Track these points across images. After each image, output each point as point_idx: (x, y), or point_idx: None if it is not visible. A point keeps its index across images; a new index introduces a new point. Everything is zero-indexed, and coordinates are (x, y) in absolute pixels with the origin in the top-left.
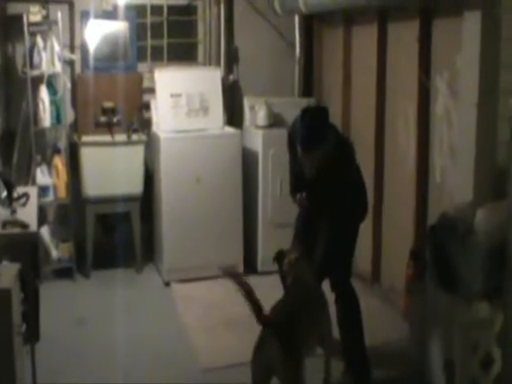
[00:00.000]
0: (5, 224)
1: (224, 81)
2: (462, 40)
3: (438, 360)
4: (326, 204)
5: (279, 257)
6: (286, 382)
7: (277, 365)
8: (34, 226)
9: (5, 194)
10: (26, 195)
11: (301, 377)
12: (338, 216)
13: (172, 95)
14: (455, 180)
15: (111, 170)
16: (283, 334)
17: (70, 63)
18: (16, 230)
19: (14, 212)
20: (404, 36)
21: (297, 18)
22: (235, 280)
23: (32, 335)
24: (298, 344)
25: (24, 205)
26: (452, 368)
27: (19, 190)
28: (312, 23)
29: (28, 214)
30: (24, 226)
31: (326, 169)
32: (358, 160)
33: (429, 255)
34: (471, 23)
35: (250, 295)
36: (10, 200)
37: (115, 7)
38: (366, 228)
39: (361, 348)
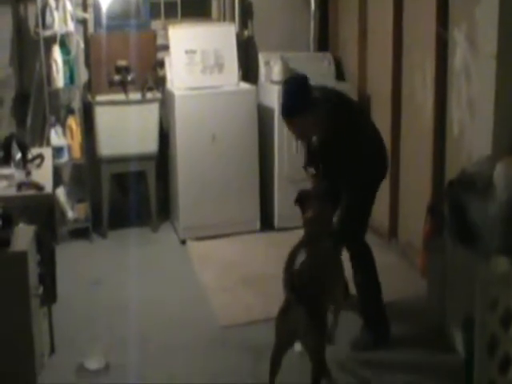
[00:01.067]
0: (20, 186)
1: (239, 36)
2: None
3: (457, 317)
4: (341, 177)
5: (301, 199)
6: (309, 347)
7: (302, 330)
8: (49, 188)
9: (19, 155)
10: (40, 156)
11: (324, 342)
12: (354, 186)
13: (186, 52)
14: (473, 134)
15: (126, 129)
16: (309, 301)
17: (82, 22)
18: (31, 192)
19: (28, 174)
20: None
21: None
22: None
23: (49, 297)
24: (322, 309)
25: (39, 166)
26: (471, 325)
27: (34, 152)
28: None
29: (43, 175)
30: (39, 187)
31: (326, 140)
32: (373, 116)
33: (447, 211)
34: None
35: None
36: (24, 162)
37: None
38: (383, 183)
39: (378, 305)
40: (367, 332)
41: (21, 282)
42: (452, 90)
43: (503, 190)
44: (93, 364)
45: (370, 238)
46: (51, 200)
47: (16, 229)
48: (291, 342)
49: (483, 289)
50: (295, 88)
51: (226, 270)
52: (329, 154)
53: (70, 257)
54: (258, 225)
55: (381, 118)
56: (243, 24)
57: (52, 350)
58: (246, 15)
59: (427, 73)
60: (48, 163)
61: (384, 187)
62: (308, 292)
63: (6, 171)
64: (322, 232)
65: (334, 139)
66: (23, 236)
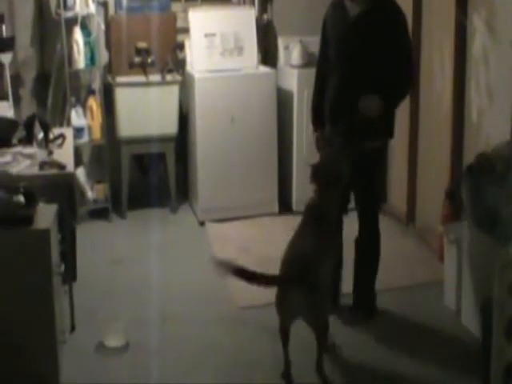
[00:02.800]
0: (42, 165)
1: (258, 20)
2: None
3: (475, 301)
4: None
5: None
6: (313, 325)
7: (303, 311)
8: (70, 167)
9: (41, 135)
10: (62, 136)
11: (327, 318)
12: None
13: (206, 35)
14: (492, 120)
15: (146, 110)
16: (302, 285)
17: (103, 4)
18: (53, 171)
19: (50, 153)
20: None
21: None
22: (230, 271)
23: (69, 275)
24: (320, 286)
25: (60, 146)
26: (489, 309)
27: (55, 132)
28: None
29: (64, 155)
30: (61, 166)
31: (372, 11)
32: None
33: (465, 195)
34: None
35: (250, 278)
36: (46, 141)
37: None
38: (401, 167)
39: (373, 286)
40: (356, 311)
41: (43, 260)
42: (471, 77)
43: None
44: (112, 342)
45: (388, 223)
46: (72, 179)
47: (38, 207)
48: (293, 317)
49: (502, 273)
50: None
51: (244, 251)
52: (373, 25)
53: (90, 236)
54: (276, 207)
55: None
56: (263, 8)
57: (72, 327)
58: None
59: (446, 59)
60: (69, 143)
61: (402, 171)
62: (299, 278)
63: (28, 150)
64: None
65: (384, 9)
66: (45, 214)
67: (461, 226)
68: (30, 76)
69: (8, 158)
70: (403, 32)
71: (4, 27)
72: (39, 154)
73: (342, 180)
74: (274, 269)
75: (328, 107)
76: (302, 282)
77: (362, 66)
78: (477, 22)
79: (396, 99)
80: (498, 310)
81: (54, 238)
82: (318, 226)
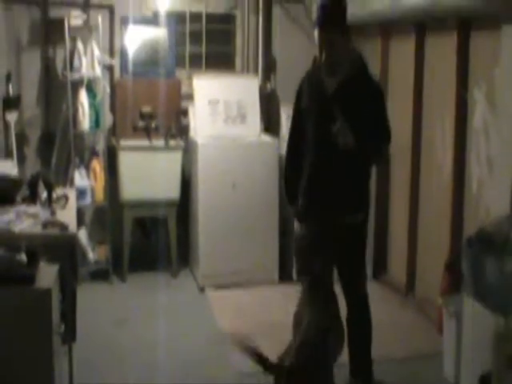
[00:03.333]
0: (45, 224)
1: (261, 89)
2: (501, 52)
3: (474, 374)
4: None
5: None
6: None
7: None
8: (73, 228)
9: (45, 194)
10: (65, 197)
11: None
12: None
13: (210, 102)
14: (492, 192)
15: (149, 174)
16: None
17: (109, 68)
18: (56, 231)
19: (53, 213)
20: (442, 48)
21: None
22: (248, 353)
23: (69, 335)
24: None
25: (63, 206)
26: (487, 381)
27: (58, 192)
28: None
29: (67, 215)
30: (64, 227)
31: (353, 74)
32: (393, 172)
33: (465, 267)
34: (509, 36)
35: (264, 365)
36: (50, 201)
37: (155, 14)
38: (401, 238)
39: (369, 356)
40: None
41: (44, 319)
42: (471, 148)
43: None
44: None
45: (387, 293)
46: (74, 240)
47: (40, 266)
48: None
49: (498, 345)
50: (335, 3)
51: (244, 318)
52: (351, 97)
53: (90, 298)
54: (276, 275)
55: (400, 175)
56: (266, 76)
57: None
58: (270, 69)
59: (447, 130)
60: (72, 204)
61: (402, 242)
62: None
63: (32, 209)
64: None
65: (361, 80)
66: (47, 274)
67: (460, 298)
68: (34, 135)
69: (11, 216)
70: (380, 102)
71: (11, 86)
72: (42, 213)
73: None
74: (273, 335)
75: (305, 181)
76: (313, 377)
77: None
78: (477, 95)
79: (372, 162)
80: (496, 382)
81: (56, 298)
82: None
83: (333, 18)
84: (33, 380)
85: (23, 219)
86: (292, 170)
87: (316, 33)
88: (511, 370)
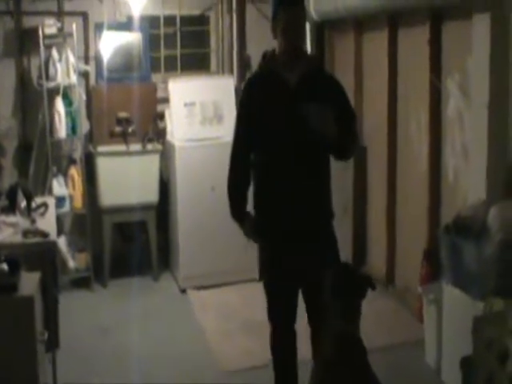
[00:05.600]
0: (25, 233)
1: (237, 88)
2: (472, 42)
3: (455, 359)
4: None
5: None
6: None
7: None
8: (53, 236)
9: (24, 204)
10: (44, 205)
11: None
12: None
13: (186, 104)
14: (468, 180)
15: (127, 179)
16: None
17: (84, 74)
18: (37, 239)
19: (33, 222)
20: (415, 40)
21: (308, 26)
22: None
23: (52, 342)
24: None
25: (43, 215)
26: (468, 364)
27: (37, 200)
28: (323, 30)
29: (47, 223)
30: (44, 235)
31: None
32: (369, 167)
33: (443, 255)
34: (481, 25)
35: None
36: (29, 210)
37: (129, 19)
38: (379, 229)
39: None
40: None
41: (27, 327)
42: (446, 138)
43: (497, 232)
44: None
45: None
46: (55, 247)
47: (22, 275)
48: None
49: (479, 328)
50: None
51: (226, 317)
52: (315, 91)
53: (72, 305)
54: (256, 274)
55: (377, 168)
56: (242, 76)
57: None
58: (245, 68)
59: (422, 121)
60: (51, 212)
61: (380, 233)
62: None
63: (11, 219)
64: None
65: (322, 74)
66: (29, 282)
67: (439, 285)
68: (11, 146)
69: None
70: (345, 95)
71: None
72: (22, 222)
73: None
74: (256, 332)
75: (263, 193)
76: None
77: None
78: (450, 86)
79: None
80: (477, 365)
81: (38, 306)
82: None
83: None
84: None
85: (3, 229)
86: (243, 184)
87: (275, 23)
88: (491, 352)
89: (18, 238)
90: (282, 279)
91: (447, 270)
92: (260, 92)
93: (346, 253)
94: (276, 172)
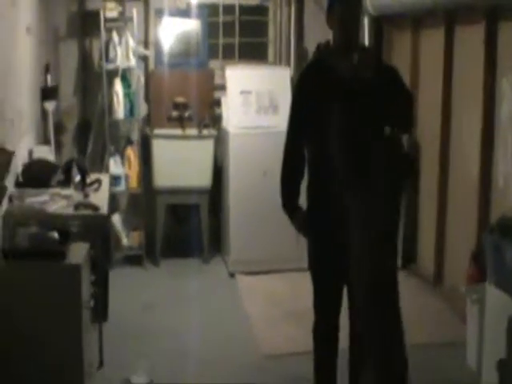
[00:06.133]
0: (77, 206)
1: (293, 80)
2: None
3: (495, 361)
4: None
5: None
6: None
7: None
8: (104, 210)
9: (79, 178)
10: (98, 181)
11: None
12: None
13: (242, 92)
14: None
15: (182, 162)
16: None
17: (143, 59)
18: (88, 212)
19: (86, 196)
20: (470, 38)
21: (366, 20)
22: None
23: (101, 315)
24: None
25: (96, 190)
26: (505, 367)
27: (92, 177)
28: (382, 25)
29: (100, 198)
30: (95, 208)
31: (372, 70)
32: (423, 165)
33: (487, 256)
34: None
35: None
36: (83, 185)
37: (188, 5)
38: (429, 229)
39: None
40: None
41: (74, 294)
42: (499, 141)
43: None
44: (138, 379)
45: (415, 283)
46: (106, 221)
47: (72, 245)
48: None
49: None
50: None
51: (272, 304)
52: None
53: (123, 282)
54: (306, 263)
55: (430, 166)
56: (298, 67)
57: (101, 363)
58: (301, 60)
59: (474, 123)
60: (105, 188)
61: (430, 233)
62: None
63: (65, 192)
64: None
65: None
66: (78, 252)
67: (483, 286)
68: (72, 124)
69: (46, 197)
70: (402, 82)
71: (49, 76)
72: (75, 195)
73: None
74: (301, 320)
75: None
76: None
77: (374, 129)
78: (505, 88)
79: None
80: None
81: (86, 275)
82: None
83: None
84: (63, 351)
85: (57, 201)
86: (294, 174)
87: (331, 14)
88: None
89: (69, 210)
90: (328, 275)
91: (490, 271)
92: (313, 84)
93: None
94: (329, 165)
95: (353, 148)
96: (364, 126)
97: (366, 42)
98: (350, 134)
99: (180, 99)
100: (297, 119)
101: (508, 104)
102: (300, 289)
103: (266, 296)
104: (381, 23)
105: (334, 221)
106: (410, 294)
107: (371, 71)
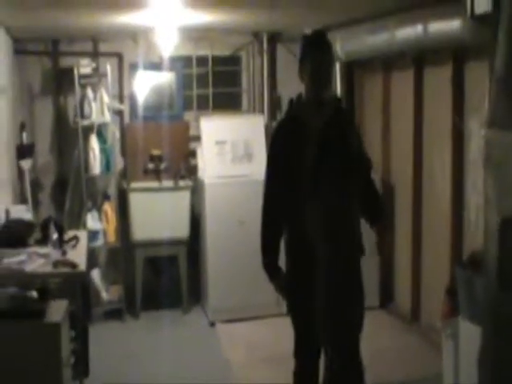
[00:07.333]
0: (56, 264)
1: (267, 128)
2: None
3: None
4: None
5: None
6: None
7: None
8: (83, 266)
9: (56, 236)
10: (75, 238)
11: None
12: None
13: (217, 142)
14: None
15: (159, 214)
16: None
17: (118, 113)
18: (66, 270)
19: (64, 253)
20: (439, 79)
21: (338, 66)
22: None
23: (82, 371)
24: None
25: (74, 247)
26: None
27: (70, 234)
28: (353, 70)
29: (78, 255)
30: (74, 265)
31: (335, 124)
32: (397, 204)
33: (459, 290)
34: None
35: None
36: (60, 242)
37: (162, 59)
38: (405, 266)
39: None
40: None
41: (54, 352)
42: (468, 177)
43: None
44: None
45: (392, 321)
46: (85, 278)
47: (51, 302)
48: None
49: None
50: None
51: (253, 349)
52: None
53: (104, 336)
54: (284, 308)
55: (403, 206)
56: (272, 116)
57: None
58: (275, 107)
59: (445, 161)
60: (83, 244)
61: (406, 270)
62: None
63: (43, 250)
64: None
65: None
66: (57, 309)
67: (457, 321)
68: (48, 181)
69: (23, 256)
70: (361, 143)
71: (25, 135)
72: (53, 253)
73: None
74: (281, 366)
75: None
76: None
77: (343, 180)
78: (473, 126)
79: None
80: None
81: (65, 332)
82: None
83: (327, 42)
84: None
85: (34, 259)
86: (273, 232)
87: (303, 67)
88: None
89: (48, 268)
90: (306, 322)
91: (463, 305)
92: (286, 139)
93: (373, 290)
94: (302, 226)
95: (321, 209)
96: (333, 183)
97: (338, 88)
98: (318, 194)
99: (156, 152)
100: (272, 176)
101: (476, 142)
102: (280, 334)
103: (247, 342)
104: (352, 68)
105: (310, 283)
106: (388, 333)
107: (338, 126)
